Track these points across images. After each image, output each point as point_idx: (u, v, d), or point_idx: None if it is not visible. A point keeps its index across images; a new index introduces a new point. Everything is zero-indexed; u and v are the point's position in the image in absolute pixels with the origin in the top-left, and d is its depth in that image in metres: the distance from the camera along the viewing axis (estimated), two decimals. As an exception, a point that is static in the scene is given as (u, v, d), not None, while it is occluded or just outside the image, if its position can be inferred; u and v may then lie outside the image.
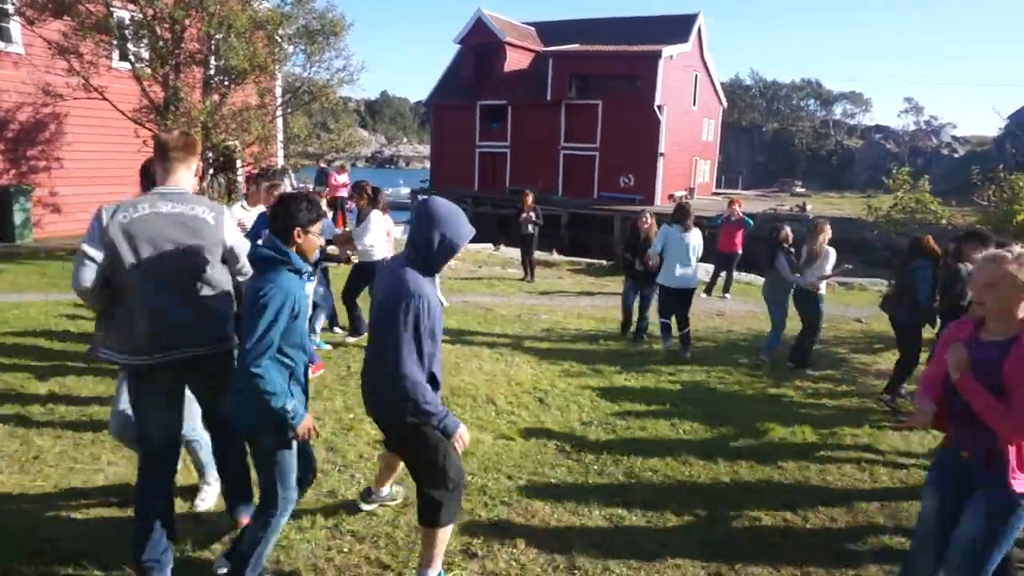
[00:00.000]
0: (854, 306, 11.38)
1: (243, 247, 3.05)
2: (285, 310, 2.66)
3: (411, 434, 2.93)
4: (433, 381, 2.94)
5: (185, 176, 3.00)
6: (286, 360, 2.76)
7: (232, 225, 3.05)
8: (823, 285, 7.09)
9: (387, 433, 3.16)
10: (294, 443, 2.87)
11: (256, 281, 2.72)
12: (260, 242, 2.80)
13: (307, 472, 3.16)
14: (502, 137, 32.74)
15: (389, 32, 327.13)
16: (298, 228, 2.78)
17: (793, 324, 7.53)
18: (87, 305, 3.04)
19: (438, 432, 2.91)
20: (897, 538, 3.88)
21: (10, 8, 11.80)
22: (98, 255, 2.76)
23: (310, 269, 2.91)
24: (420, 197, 34.17)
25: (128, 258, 2.76)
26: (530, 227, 12.43)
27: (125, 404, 3.26)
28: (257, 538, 2.89)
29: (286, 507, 2.93)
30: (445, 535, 3.07)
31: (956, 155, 54.18)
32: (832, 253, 7.03)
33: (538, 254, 16.81)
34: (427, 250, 2.85)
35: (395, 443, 3.16)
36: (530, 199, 12.45)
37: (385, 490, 3.84)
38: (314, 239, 2.86)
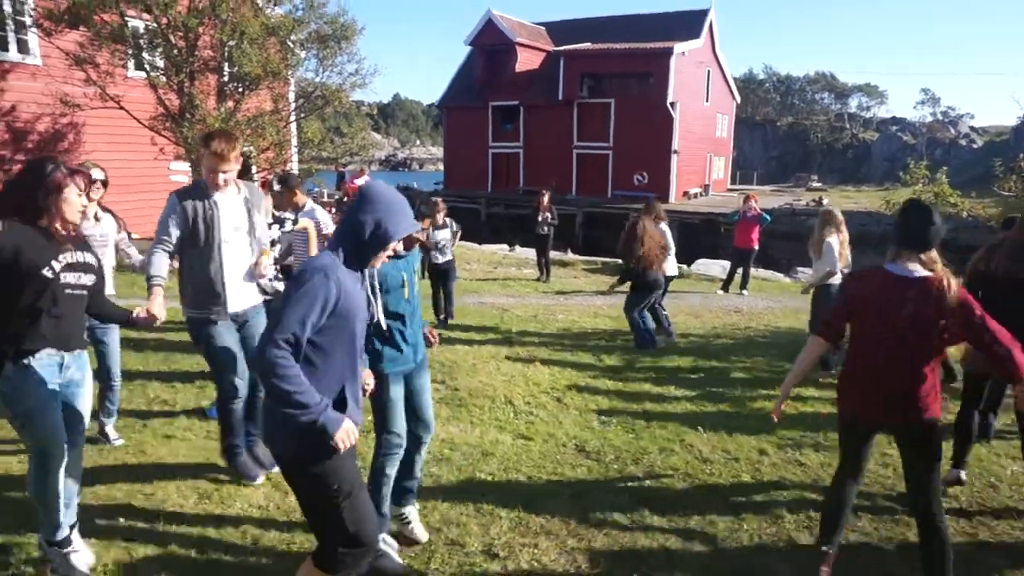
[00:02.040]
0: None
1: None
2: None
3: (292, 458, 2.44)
4: (342, 402, 2.44)
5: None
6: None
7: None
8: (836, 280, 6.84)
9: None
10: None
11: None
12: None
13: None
14: (515, 138, 32.76)
15: (400, 35, 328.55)
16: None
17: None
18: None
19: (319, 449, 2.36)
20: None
21: (28, 20, 11.97)
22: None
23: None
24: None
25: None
26: (545, 227, 12.40)
27: None
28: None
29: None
30: None
31: (975, 146, 53.44)
32: (832, 246, 6.63)
33: (553, 254, 16.80)
34: (357, 237, 2.44)
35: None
36: (546, 199, 12.43)
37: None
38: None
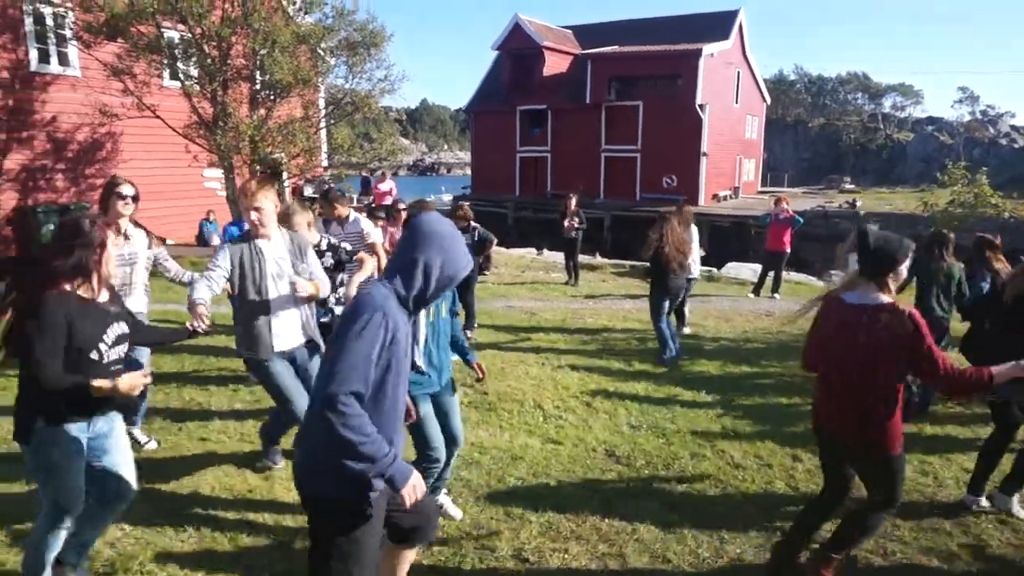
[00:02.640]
0: (908, 306, 10.99)
1: None
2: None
3: (322, 508, 2.27)
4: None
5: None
6: None
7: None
8: None
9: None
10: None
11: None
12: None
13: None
14: (542, 142, 32.75)
15: (428, 41, 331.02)
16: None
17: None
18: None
19: (365, 509, 2.23)
20: (965, 543, 3.71)
21: (68, 33, 12.31)
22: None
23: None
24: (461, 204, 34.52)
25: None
26: (573, 231, 12.35)
27: None
28: None
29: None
30: None
31: (1016, 145, 51.98)
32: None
33: (582, 258, 16.73)
34: (415, 279, 2.23)
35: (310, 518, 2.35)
36: (573, 202, 12.38)
37: None
38: None
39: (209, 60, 11.58)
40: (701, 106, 28.75)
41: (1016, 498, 4.05)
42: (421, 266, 2.22)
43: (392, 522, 2.46)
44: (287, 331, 3.97)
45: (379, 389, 2.18)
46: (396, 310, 2.18)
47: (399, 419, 2.35)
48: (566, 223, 12.31)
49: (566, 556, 3.49)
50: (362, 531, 2.23)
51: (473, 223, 8.44)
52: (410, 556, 2.74)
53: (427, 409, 3.41)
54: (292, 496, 3.97)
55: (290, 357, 4.02)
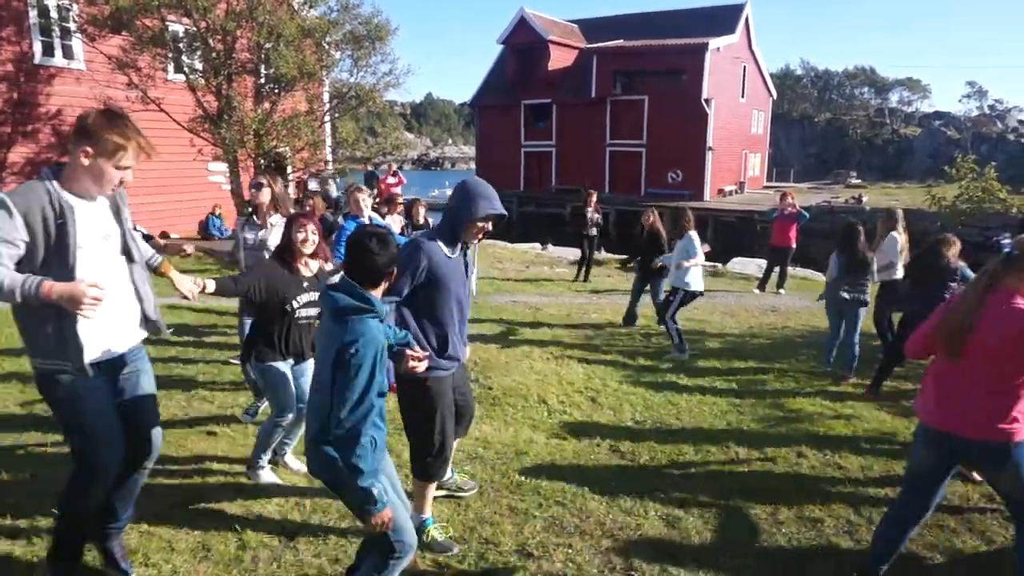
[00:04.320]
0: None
1: None
2: (379, 365, 2.44)
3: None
4: (443, 344, 3.22)
5: None
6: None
7: None
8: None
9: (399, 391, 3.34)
10: (390, 490, 2.61)
11: (341, 331, 2.44)
12: (338, 289, 2.52)
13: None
14: (547, 136, 32.69)
15: (433, 34, 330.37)
16: (392, 268, 2.59)
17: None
18: None
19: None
20: (971, 541, 3.70)
21: (73, 26, 12.31)
22: None
23: (386, 312, 2.71)
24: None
25: None
26: (594, 228, 12.07)
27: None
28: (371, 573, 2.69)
29: (405, 550, 2.65)
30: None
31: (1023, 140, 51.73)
32: (895, 239, 6.90)
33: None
34: (445, 220, 3.21)
35: (404, 396, 3.33)
36: (594, 198, 12.13)
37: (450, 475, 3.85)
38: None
39: (214, 53, 11.56)
40: (707, 101, 28.64)
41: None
42: (450, 207, 3.20)
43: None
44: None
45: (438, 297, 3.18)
46: (434, 245, 3.15)
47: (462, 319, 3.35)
48: (589, 216, 11.99)
49: (570, 551, 3.48)
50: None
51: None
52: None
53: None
54: (297, 490, 3.97)
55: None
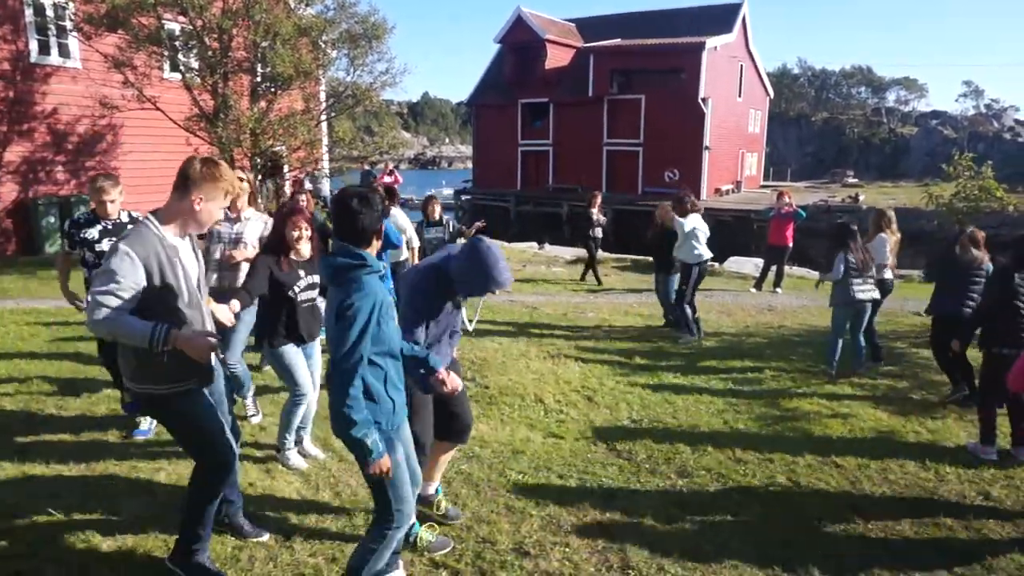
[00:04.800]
0: (913, 299, 10.96)
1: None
2: (373, 318, 2.53)
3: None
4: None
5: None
6: (378, 367, 2.64)
7: None
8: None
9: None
10: (401, 454, 2.75)
11: (340, 293, 2.55)
12: (332, 253, 2.67)
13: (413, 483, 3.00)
14: (544, 135, 32.67)
15: (429, 33, 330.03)
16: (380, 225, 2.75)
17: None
18: None
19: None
20: (967, 536, 3.70)
21: (68, 24, 12.27)
22: None
23: (384, 268, 2.88)
24: (463, 197, 34.47)
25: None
26: (599, 230, 11.92)
27: None
28: (368, 550, 2.76)
29: (402, 520, 2.76)
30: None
31: (1020, 139, 51.88)
32: (884, 240, 6.91)
33: (583, 252, 16.69)
34: (457, 276, 3.12)
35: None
36: (598, 199, 12.03)
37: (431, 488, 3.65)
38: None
39: (210, 52, 11.52)
40: (704, 100, 28.65)
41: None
42: (460, 271, 3.15)
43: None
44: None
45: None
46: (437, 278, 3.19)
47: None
48: (594, 217, 11.83)
49: (567, 550, 3.48)
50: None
51: (446, 215, 8.40)
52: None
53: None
54: (293, 491, 3.96)
55: None
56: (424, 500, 3.49)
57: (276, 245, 4.13)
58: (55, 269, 5.14)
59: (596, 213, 11.89)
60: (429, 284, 3.17)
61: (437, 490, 3.64)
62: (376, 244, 2.70)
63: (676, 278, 8.23)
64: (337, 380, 2.51)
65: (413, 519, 2.91)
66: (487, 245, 3.09)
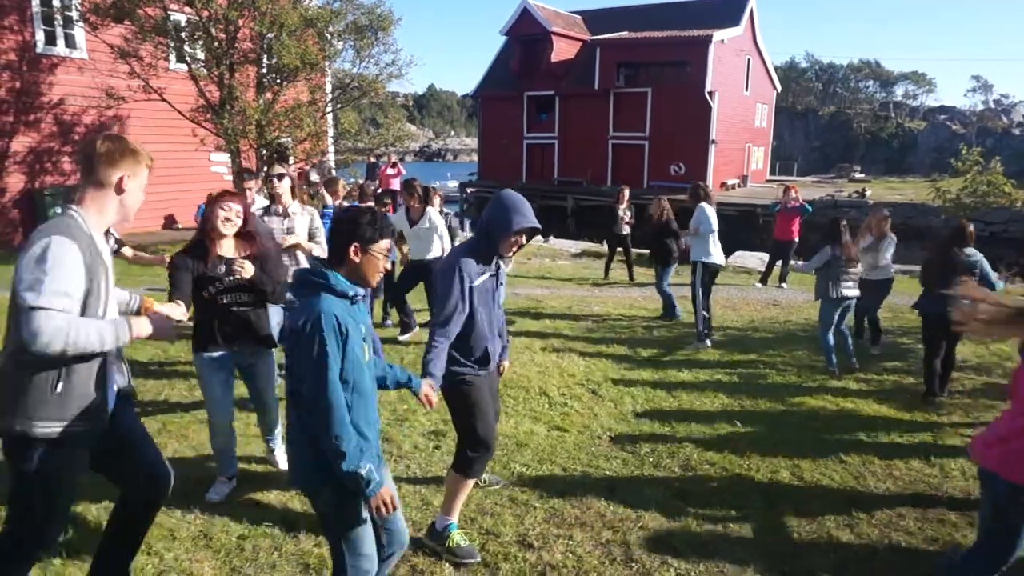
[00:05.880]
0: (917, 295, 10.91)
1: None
2: (333, 339, 2.22)
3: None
4: (479, 353, 3.24)
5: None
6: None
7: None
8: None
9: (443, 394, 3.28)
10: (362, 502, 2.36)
11: (296, 311, 2.31)
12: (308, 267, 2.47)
13: (392, 545, 2.63)
14: (550, 128, 32.56)
15: (435, 25, 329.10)
16: (355, 245, 2.35)
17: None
18: None
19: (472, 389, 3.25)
20: (972, 535, 3.69)
21: (75, 15, 12.27)
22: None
23: (362, 292, 2.41)
24: (468, 190, 34.42)
25: None
26: (626, 226, 11.62)
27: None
28: None
29: None
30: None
31: (1028, 135, 51.42)
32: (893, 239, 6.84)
33: (588, 245, 16.68)
34: (479, 231, 3.19)
35: (446, 399, 3.33)
36: (626, 194, 11.69)
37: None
38: (376, 259, 2.40)
39: (216, 43, 11.53)
40: (710, 93, 28.51)
41: None
42: (482, 221, 3.17)
43: None
44: None
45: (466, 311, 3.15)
46: (469, 260, 3.12)
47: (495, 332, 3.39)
48: (621, 215, 11.49)
49: (570, 542, 3.48)
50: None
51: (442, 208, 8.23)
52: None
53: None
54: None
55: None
56: (436, 536, 3.34)
57: (199, 231, 3.66)
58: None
59: (623, 210, 11.59)
60: (455, 261, 3.14)
61: (452, 527, 3.36)
62: (368, 264, 2.39)
63: (672, 270, 8.49)
64: (318, 413, 2.21)
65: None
66: (512, 191, 3.26)
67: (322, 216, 6.04)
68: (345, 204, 5.88)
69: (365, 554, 2.41)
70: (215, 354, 3.63)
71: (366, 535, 2.42)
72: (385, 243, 2.40)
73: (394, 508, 2.35)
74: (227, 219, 3.56)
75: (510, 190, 3.25)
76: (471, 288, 3.10)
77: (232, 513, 3.57)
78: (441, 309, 3.07)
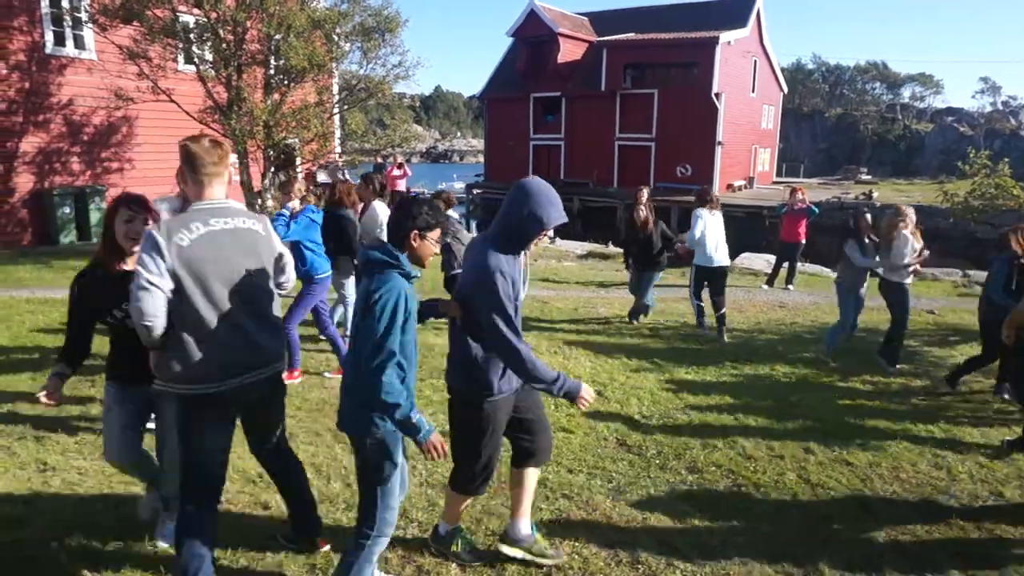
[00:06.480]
0: (926, 297, 10.88)
1: (289, 257, 2.98)
2: (408, 316, 2.53)
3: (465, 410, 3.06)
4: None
5: (221, 189, 2.80)
6: (399, 368, 2.54)
7: (275, 234, 2.95)
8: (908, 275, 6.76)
9: (453, 408, 3.11)
10: (401, 459, 2.71)
11: (368, 282, 2.58)
12: (372, 246, 2.65)
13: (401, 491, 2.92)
14: (556, 129, 32.56)
15: (442, 27, 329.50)
16: (415, 232, 2.65)
17: (876, 318, 7.24)
18: (145, 340, 2.60)
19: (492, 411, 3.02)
20: (979, 537, 3.68)
21: (84, 16, 12.34)
22: (166, 284, 2.52)
23: (418, 274, 2.69)
24: (474, 192, 34.44)
25: (194, 284, 2.56)
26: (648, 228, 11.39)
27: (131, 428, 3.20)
28: (348, 564, 2.71)
29: (383, 529, 2.71)
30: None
31: (1037, 137, 51.13)
32: (908, 239, 6.68)
33: (594, 246, 16.67)
34: (510, 226, 2.90)
35: (457, 415, 3.12)
36: (645, 195, 11.29)
37: (524, 527, 3.30)
38: (430, 245, 2.70)
39: (224, 45, 11.57)
40: (717, 95, 28.46)
41: None
42: (515, 214, 2.89)
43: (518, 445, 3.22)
44: None
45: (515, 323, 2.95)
46: (503, 260, 2.85)
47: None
48: (642, 215, 11.20)
49: (576, 544, 3.48)
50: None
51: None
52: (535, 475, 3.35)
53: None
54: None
55: None
56: (441, 540, 3.31)
57: (105, 246, 3.12)
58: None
59: (643, 211, 11.30)
60: (495, 263, 2.85)
61: (457, 530, 3.34)
62: (424, 248, 2.68)
63: (657, 276, 8.52)
64: (370, 372, 2.47)
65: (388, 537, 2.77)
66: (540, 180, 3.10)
67: (274, 221, 5.91)
68: (298, 207, 5.72)
69: (392, 507, 2.72)
70: (113, 386, 3.21)
71: (395, 487, 2.72)
72: (438, 231, 2.72)
73: (445, 454, 2.62)
74: (134, 233, 3.05)
75: (538, 180, 3.00)
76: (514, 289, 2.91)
77: (237, 511, 3.59)
78: (504, 322, 2.80)
